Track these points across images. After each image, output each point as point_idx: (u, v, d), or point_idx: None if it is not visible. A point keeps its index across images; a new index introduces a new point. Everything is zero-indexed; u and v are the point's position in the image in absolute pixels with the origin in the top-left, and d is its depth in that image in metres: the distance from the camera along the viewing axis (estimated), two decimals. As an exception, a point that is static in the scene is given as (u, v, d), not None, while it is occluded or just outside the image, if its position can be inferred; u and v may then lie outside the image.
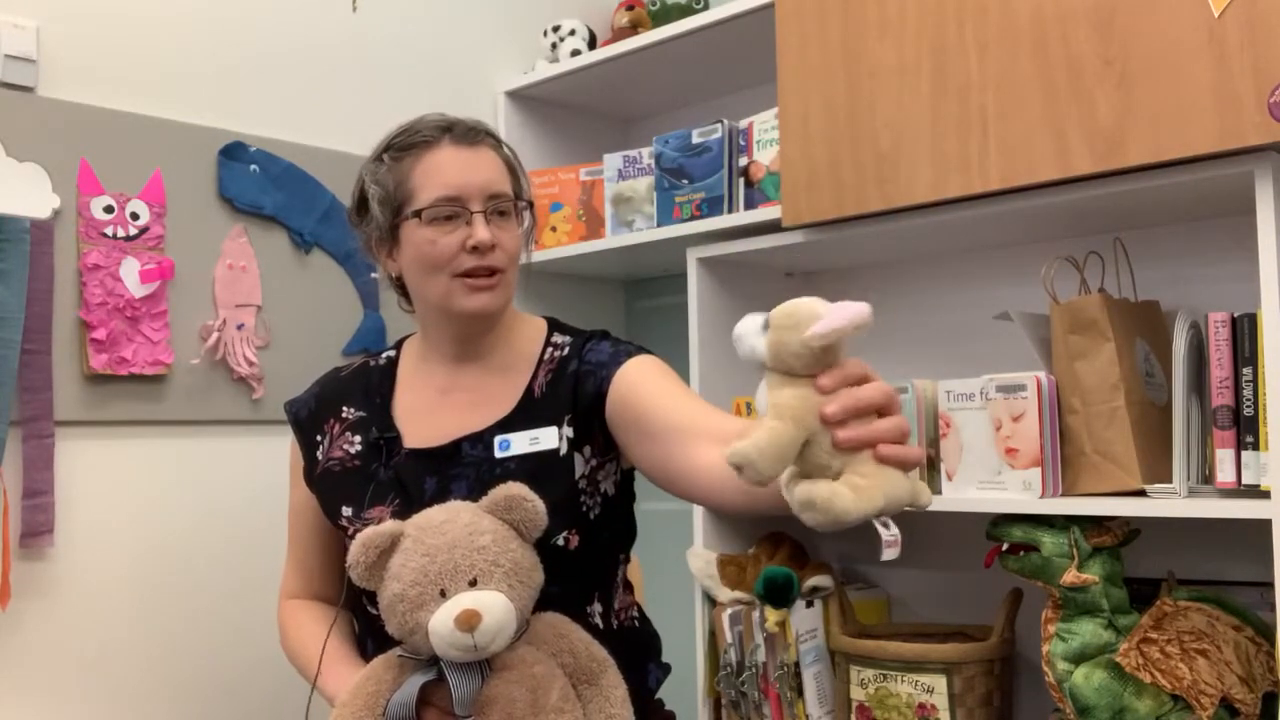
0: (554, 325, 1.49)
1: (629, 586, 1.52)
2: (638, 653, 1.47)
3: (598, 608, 1.41)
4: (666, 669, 1.52)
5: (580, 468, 1.37)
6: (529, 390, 1.41)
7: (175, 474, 1.83)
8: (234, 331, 1.88)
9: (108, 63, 1.79)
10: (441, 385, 1.45)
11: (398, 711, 1.22)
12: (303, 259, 1.99)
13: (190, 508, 1.84)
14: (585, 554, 1.37)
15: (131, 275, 1.76)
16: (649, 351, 1.42)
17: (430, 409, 1.45)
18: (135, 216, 1.78)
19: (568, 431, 1.37)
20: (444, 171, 1.37)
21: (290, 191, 1.96)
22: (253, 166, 1.92)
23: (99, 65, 1.78)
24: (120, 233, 1.76)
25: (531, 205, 1.47)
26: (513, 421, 1.39)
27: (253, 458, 1.90)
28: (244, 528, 1.88)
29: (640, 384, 1.34)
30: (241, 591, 1.87)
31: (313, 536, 1.51)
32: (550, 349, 1.44)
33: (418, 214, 1.37)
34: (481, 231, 1.35)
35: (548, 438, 1.37)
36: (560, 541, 1.34)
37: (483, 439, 1.39)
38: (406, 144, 1.40)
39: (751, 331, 0.92)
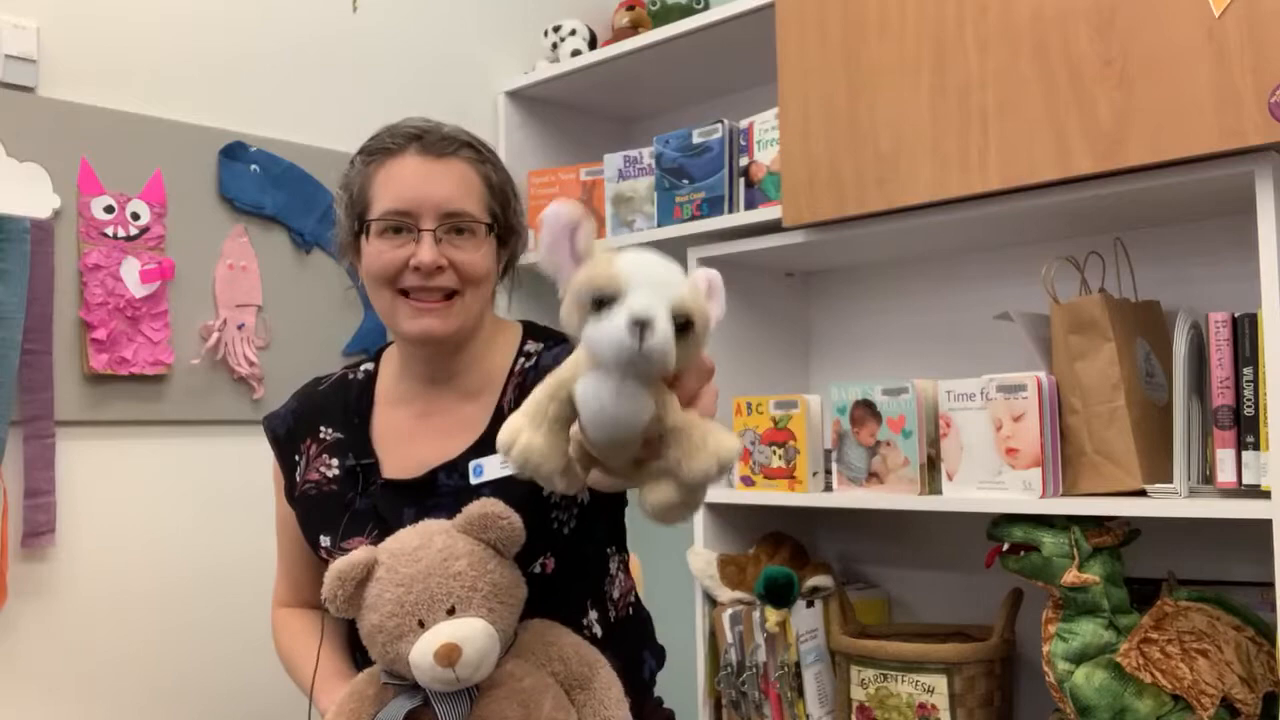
0: (529, 331, 1.44)
1: (629, 572, 1.49)
2: (634, 642, 1.45)
3: (593, 615, 1.39)
4: (661, 654, 1.49)
5: None
6: (499, 409, 1.36)
7: (175, 474, 1.83)
8: (234, 331, 1.88)
9: (108, 63, 1.79)
10: (418, 409, 1.41)
11: None
12: (303, 259, 1.99)
13: (190, 508, 1.84)
14: (565, 573, 1.33)
15: (132, 275, 1.76)
16: None
17: (407, 435, 1.40)
18: (136, 216, 1.78)
19: None
20: (400, 183, 1.30)
21: (290, 191, 1.97)
22: (253, 166, 1.92)
23: (99, 65, 1.78)
24: (120, 233, 1.76)
25: (507, 229, 1.38)
26: (485, 444, 1.34)
27: (253, 458, 1.89)
28: (244, 527, 1.88)
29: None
30: (241, 591, 1.87)
31: (299, 549, 1.47)
32: (521, 359, 1.39)
33: (369, 225, 1.32)
34: (424, 252, 1.28)
35: None
36: (537, 569, 1.30)
37: (457, 467, 1.34)
38: (375, 149, 1.35)
39: (669, 335, 0.78)
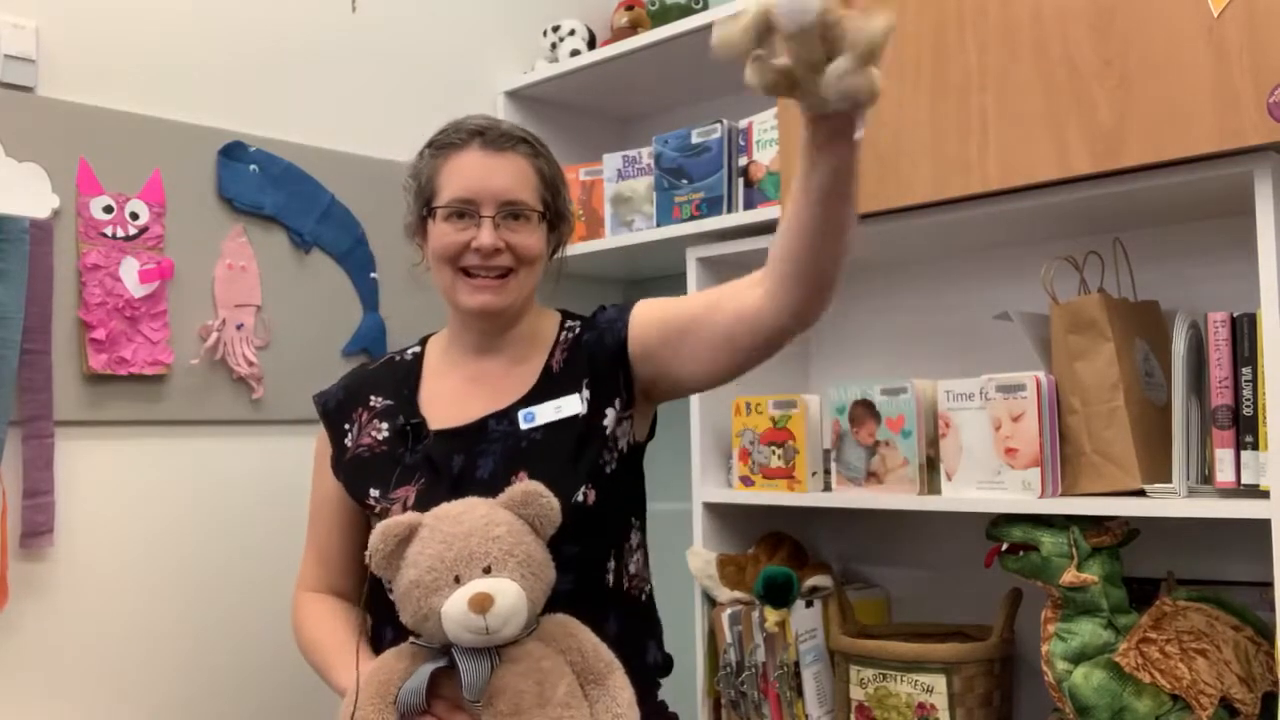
0: (566, 314, 1.58)
1: (647, 555, 1.54)
2: (641, 626, 1.50)
3: (612, 564, 1.46)
4: (668, 658, 1.53)
5: (611, 424, 1.44)
6: (547, 367, 1.49)
7: (175, 474, 1.83)
8: (233, 331, 1.88)
9: (108, 63, 1.79)
10: (467, 375, 1.52)
11: (408, 699, 1.25)
12: (302, 259, 1.99)
13: (190, 508, 1.84)
14: (602, 510, 1.42)
15: (131, 275, 1.76)
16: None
17: (456, 396, 1.51)
18: (135, 216, 1.78)
19: (586, 394, 1.45)
20: (464, 175, 1.45)
21: (290, 191, 1.96)
22: (252, 166, 1.92)
23: (99, 65, 1.78)
24: (120, 233, 1.76)
25: (558, 215, 1.52)
26: (534, 396, 1.47)
27: (252, 458, 1.90)
28: (244, 527, 1.88)
29: (654, 310, 1.47)
30: (242, 591, 1.87)
31: (335, 528, 1.55)
32: (565, 332, 1.53)
33: (435, 210, 1.46)
34: (485, 236, 1.43)
35: (570, 404, 1.45)
36: (580, 498, 1.39)
37: (508, 415, 1.45)
38: (442, 144, 1.49)
39: None
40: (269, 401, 1.90)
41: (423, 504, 1.35)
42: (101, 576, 1.74)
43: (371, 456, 1.49)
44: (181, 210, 1.84)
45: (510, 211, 1.45)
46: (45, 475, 1.67)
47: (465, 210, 1.44)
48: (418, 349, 1.60)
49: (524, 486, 1.29)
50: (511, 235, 1.45)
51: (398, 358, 1.60)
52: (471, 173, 1.45)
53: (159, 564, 1.80)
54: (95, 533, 1.74)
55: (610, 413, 1.44)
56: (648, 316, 1.47)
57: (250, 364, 1.89)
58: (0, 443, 1.60)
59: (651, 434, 1.56)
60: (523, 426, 1.44)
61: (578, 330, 1.52)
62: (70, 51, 1.74)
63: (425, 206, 1.48)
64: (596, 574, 1.42)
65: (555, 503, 1.29)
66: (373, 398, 1.54)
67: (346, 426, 1.53)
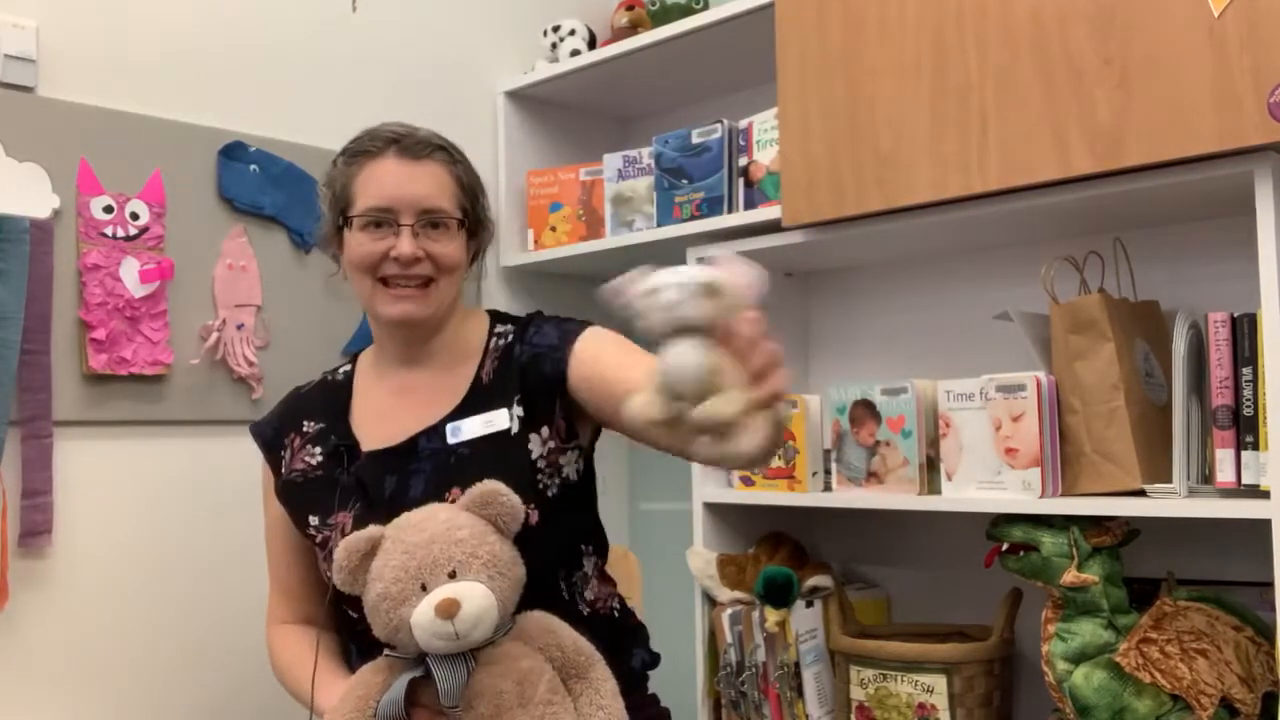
0: (495, 316, 1.55)
1: (606, 580, 1.53)
2: (620, 640, 1.49)
3: (563, 588, 1.43)
4: (655, 655, 1.53)
5: (537, 448, 1.41)
6: (477, 378, 1.46)
7: (175, 474, 1.83)
8: (234, 331, 1.88)
9: (108, 63, 1.79)
10: (395, 387, 1.50)
11: (388, 710, 1.24)
12: (302, 259, 1.99)
13: (189, 508, 1.84)
14: (547, 531, 1.39)
15: (131, 275, 1.76)
16: (590, 323, 1.46)
17: (386, 412, 1.49)
18: (135, 216, 1.78)
19: (518, 411, 1.42)
20: (380, 183, 1.42)
21: (290, 191, 1.96)
22: (253, 166, 1.92)
23: (99, 65, 1.78)
24: (120, 233, 1.76)
25: (477, 222, 1.50)
26: (464, 409, 1.44)
27: (252, 458, 1.89)
28: (243, 528, 1.87)
29: (599, 357, 1.40)
30: (240, 591, 1.86)
31: (291, 555, 1.54)
32: (494, 339, 1.49)
33: (351, 219, 1.43)
34: (404, 245, 1.40)
35: (499, 419, 1.42)
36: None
37: (437, 431, 1.43)
38: (356, 151, 1.46)
39: (689, 294, 0.96)
40: (269, 401, 1.89)
41: (360, 528, 1.31)
42: (100, 576, 1.74)
43: (305, 482, 1.47)
44: (181, 210, 1.84)
45: (429, 220, 1.42)
46: (44, 475, 1.67)
47: (383, 219, 1.41)
48: (349, 367, 1.58)
49: (483, 487, 1.28)
50: (431, 244, 1.42)
51: (330, 377, 1.58)
52: (389, 181, 1.42)
53: (158, 564, 1.80)
54: (94, 532, 1.74)
55: (536, 438, 1.41)
56: (590, 369, 1.39)
57: (250, 364, 1.89)
58: (0, 442, 1.60)
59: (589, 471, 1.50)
60: (450, 441, 1.41)
61: (509, 338, 1.48)
62: (70, 51, 1.74)
63: (341, 216, 1.46)
64: (548, 596, 1.38)
65: (516, 500, 1.28)
66: (305, 422, 1.52)
67: (282, 452, 1.52)
